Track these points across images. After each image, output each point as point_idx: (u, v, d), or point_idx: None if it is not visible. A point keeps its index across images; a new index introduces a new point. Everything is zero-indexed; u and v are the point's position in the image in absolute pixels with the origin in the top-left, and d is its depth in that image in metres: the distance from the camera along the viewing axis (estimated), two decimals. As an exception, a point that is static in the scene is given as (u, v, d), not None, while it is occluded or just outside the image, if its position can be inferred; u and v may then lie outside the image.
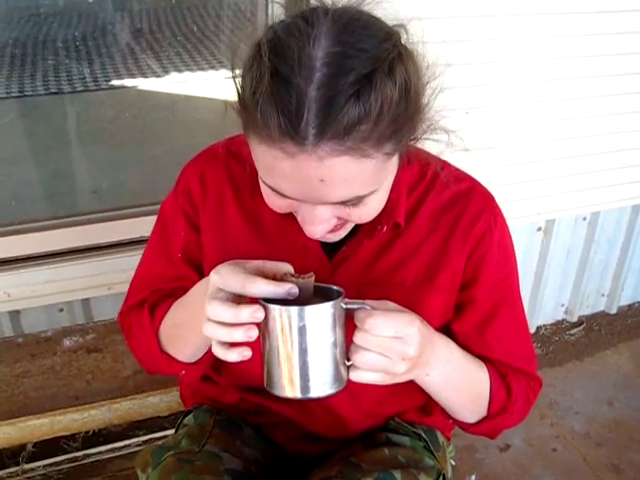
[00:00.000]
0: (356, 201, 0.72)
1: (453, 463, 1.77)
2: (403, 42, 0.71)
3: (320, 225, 0.75)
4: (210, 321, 0.70)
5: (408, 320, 0.74)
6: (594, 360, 2.23)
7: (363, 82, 0.64)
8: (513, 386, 0.92)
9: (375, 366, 0.73)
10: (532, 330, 2.32)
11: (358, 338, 0.72)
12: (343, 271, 0.89)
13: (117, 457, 1.74)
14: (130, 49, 4.64)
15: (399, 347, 0.73)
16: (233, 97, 0.73)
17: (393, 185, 0.80)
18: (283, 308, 0.70)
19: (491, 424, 0.94)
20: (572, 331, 2.36)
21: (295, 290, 0.69)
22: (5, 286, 1.66)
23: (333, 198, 0.70)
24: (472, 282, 0.91)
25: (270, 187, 0.73)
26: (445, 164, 0.90)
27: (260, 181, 0.77)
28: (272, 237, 0.91)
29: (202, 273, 0.95)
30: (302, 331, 0.70)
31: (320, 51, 0.64)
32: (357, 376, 0.74)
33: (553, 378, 2.13)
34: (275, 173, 0.70)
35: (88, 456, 1.73)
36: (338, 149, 0.65)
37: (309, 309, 0.70)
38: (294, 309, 0.70)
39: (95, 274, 1.70)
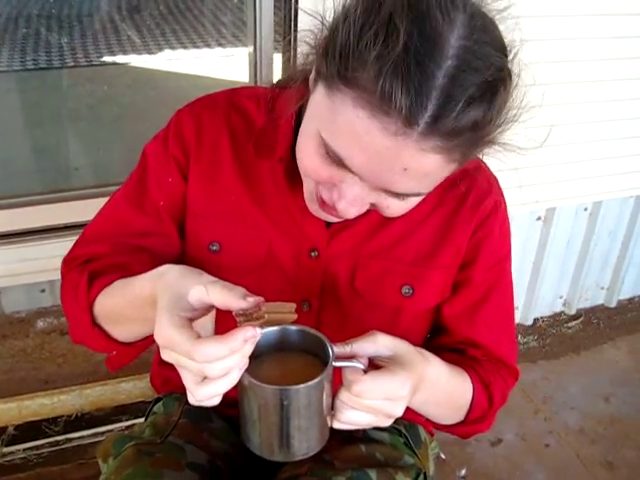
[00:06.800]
0: (411, 196, 0.69)
1: (443, 456, 1.75)
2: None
3: (357, 207, 0.69)
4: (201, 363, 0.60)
5: (399, 384, 0.69)
6: (591, 354, 2.20)
7: (487, 89, 0.62)
8: (495, 395, 0.89)
9: (360, 423, 0.70)
10: (529, 322, 2.28)
11: (344, 396, 0.67)
12: (341, 240, 0.85)
13: (99, 442, 1.68)
14: (124, 25, 4.61)
15: (387, 408, 0.69)
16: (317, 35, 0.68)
17: None
18: (263, 387, 0.62)
19: (466, 429, 0.91)
20: (570, 324, 2.32)
21: (253, 341, 0.60)
22: (-23, 264, 1.60)
23: (400, 189, 0.66)
24: (471, 262, 0.88)
25: (334, 152, 0.65)
26: None
27: (313, 141, 0.68)
28: (268, 197, 0.85)
29: (180, 229, 0.88)
30: (286, 408, 0.64)
31: (454, 39, 0.60)
32: (340, 426, 0.70)
33: (549, 372, 2.10)
34: (356, 142, 0.63)
35: (70, 440, 1.68)
36: (440, 146, 0.61)
37: (293, 390, 0.63)
38: (274, 390, 0.62)
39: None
